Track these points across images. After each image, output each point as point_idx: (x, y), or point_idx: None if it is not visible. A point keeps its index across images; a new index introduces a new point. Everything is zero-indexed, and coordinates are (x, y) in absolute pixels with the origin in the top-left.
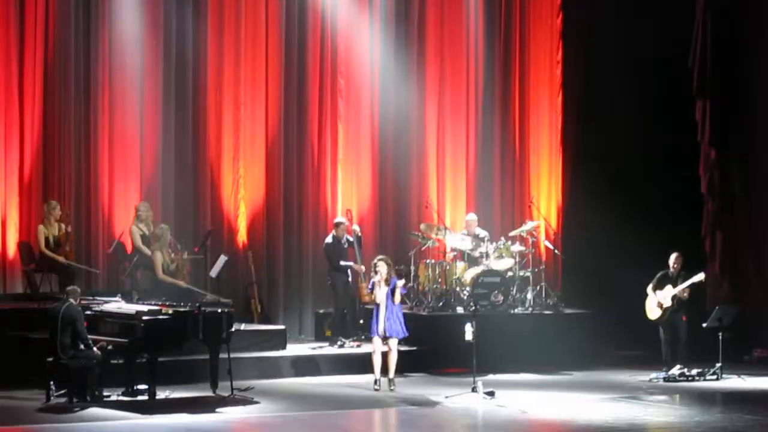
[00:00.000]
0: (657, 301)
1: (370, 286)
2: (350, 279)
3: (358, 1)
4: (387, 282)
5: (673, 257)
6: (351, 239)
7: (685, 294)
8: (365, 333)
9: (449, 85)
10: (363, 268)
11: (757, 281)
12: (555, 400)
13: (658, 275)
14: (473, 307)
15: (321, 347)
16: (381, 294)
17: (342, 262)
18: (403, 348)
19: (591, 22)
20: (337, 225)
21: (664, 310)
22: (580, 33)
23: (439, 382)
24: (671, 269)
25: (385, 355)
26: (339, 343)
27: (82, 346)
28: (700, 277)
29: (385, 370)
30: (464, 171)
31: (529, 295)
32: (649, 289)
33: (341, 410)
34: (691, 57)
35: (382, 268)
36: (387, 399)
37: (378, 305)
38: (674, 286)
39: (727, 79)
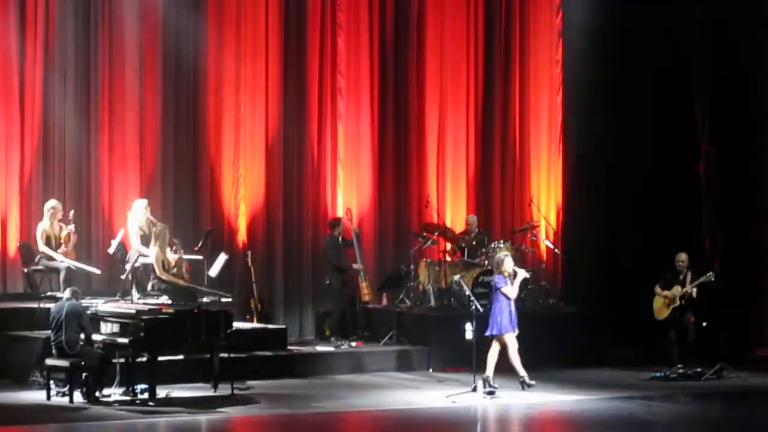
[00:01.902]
0: (665, 301)
1: (502, 284)
2: (349, 278)
3: (358, 1)
4: (512, 276)
5: (679, 256)
6: (350, 240)
7: (694, 293)
8: (366, 332)
9: (449, 84)
10: (362, 266)
11: (757, 280)
12: (555, 399)
13: (666, 275)
14: (473, 307)
15: (321, 346)
16: (515, 289)
17: (341, 262)
18: (404, 347)
19: (590, 21)
20: (334, 224)
21: (673, 310)
22: (580, 32)
23: (440, 382)
24: (678, 268)
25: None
26: (339, 342)
27: (85, 342)
28: (709, 276)
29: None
30: (464, 170)
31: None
32: (657, 288)
33: (342, 410)
34: (691, 55)
35: (509, 263)
36: (388, 398)
37: (509, 300)
38: (682, 285)
39: (727, 78)
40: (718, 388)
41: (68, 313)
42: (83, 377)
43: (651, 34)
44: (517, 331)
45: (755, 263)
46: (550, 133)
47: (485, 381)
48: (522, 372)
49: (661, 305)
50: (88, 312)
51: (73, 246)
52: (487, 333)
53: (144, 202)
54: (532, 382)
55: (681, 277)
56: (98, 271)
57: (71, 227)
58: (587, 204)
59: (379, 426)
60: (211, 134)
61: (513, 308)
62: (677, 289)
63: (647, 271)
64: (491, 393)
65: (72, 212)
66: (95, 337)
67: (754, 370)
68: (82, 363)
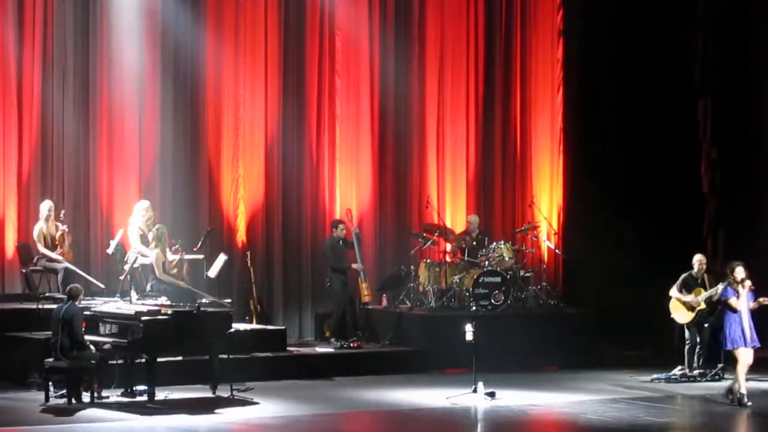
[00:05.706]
0: (687, 304)
1: (729, 295)
2: (349, 279)
3: (358, 1)
4: (743, 285)
5: (697, 259)
6: (350, 241)
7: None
8: (366, 333)
9: (449, 84)
10: (362, 267)
11: (758, 281)
12: (556, 400)
13: (682, 277)
14: (474, 307)
15: (321, 348)
16: (743, 300)
17: (341, 263)
18: (404, 348)
19: (591, 20)
20: (336, 225)
21: (697, 313)
22: (581, 31)
23: (440, 383)
24: (696, 271)
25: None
26: (339, 344)
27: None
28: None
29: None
30: (464, 171)
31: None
32: (674, 291)
33: (341, 411)
34: (693, 55)
35: (740, 272)
36: (388, 399)
37: (738, 312)
38: (704, 287)
39: (729, 78)
40: (719, 389)
41: (62, 317)
42: (81, 379)
43: (653, 32)
44: (756, 346)
45: (757, 264)
46: (551, 132)
47: (729, 391)
48: (743, 389)
49: (682, 309)
50: (86, 313)
51: (69, 246)
52: (723, 347)
53: (146, 203)
54: (749, 403)
55: (700, 280)
56: (102, 285)
57: (64, 227)
58: (588, 205)
59: (378, 427)
60: (211, 135)
61: (744, 321)
62: (700, 292)
63: (648, 272)
64: (491, 394)
65: (62, 212)
66: (93, 338)
67: (756, 371)
68: (79, 365)
